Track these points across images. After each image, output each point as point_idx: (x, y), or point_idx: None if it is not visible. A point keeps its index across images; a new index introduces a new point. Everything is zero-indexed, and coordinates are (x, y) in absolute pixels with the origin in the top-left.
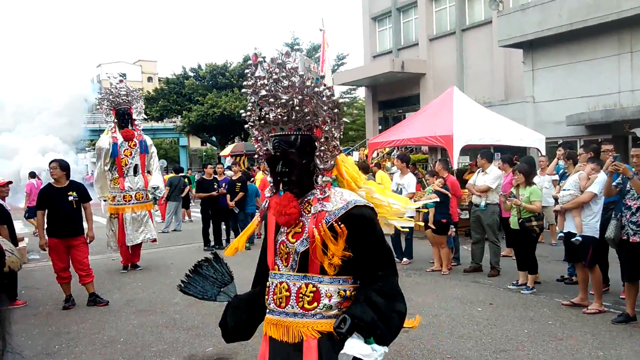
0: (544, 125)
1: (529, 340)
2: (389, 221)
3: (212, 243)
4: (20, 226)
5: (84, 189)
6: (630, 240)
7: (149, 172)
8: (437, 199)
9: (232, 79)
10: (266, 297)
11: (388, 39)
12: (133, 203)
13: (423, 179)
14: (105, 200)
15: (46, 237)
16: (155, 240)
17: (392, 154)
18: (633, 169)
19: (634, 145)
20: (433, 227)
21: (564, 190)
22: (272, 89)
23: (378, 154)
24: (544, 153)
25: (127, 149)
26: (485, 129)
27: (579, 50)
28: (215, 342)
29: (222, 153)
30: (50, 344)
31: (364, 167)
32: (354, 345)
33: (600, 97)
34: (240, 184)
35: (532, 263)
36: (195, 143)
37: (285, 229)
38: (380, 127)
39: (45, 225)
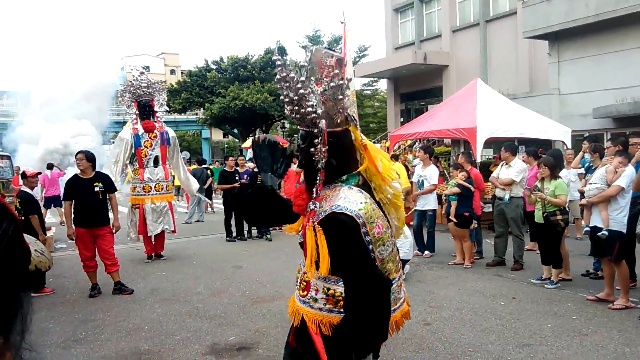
0: (570, 118)
1: (552, 335)
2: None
3: (234, 234)
4: (48, 216)
5: (110, 180)
6: None
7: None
8: (458, 191)
9: (253, 72)
10: None
11: (410, 30)
12: (152, 194)
13: (445, 171)
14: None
15: (73, 227)
16: (174, 231)
17: (414, 146)
18: None
19: None
20: (455, 220)
21: (590, 183)
22: (283, 86)
23: (399, 147)
24: (569, 146)
25: (148, 140)
26: (509, 121)
27: (606, 42)
28: (238, 332)
29: (244, 145)
30: (77, 330)
31: None
32: None
33: (629, 89)
34: None
35: (556, 257)
36: (217, 135)
37: None
38: (402, 120)
39: (72, 215)
